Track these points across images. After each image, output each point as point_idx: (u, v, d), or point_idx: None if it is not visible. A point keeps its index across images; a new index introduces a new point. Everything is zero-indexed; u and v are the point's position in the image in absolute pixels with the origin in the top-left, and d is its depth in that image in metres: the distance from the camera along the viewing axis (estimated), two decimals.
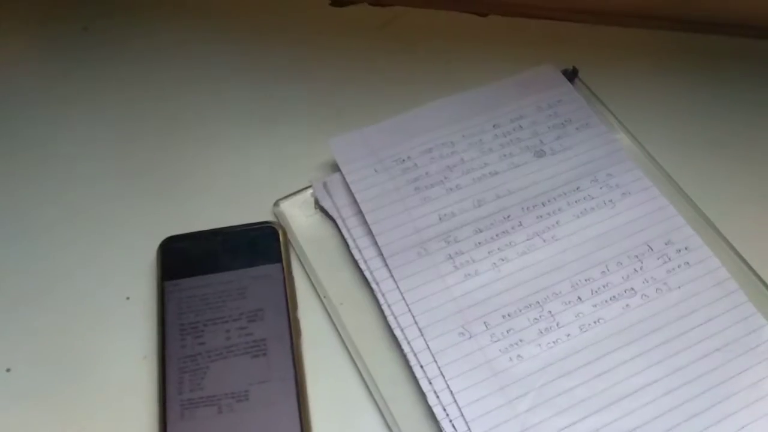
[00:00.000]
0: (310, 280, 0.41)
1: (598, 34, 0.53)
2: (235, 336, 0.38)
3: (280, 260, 0.41)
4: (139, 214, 0.44)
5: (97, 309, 0.40)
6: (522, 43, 0.52)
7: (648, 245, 0.41)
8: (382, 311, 0.39)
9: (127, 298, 0.41)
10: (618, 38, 0.53)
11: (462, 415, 0.35)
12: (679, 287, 0.40)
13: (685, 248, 0.41)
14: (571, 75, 0.48)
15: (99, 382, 0.38)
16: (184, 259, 0.41)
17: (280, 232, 0.42)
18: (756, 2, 0.50)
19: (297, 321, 0.39)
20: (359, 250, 0.41)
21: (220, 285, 0.40)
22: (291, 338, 0.38)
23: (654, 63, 0.51)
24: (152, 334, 0.39)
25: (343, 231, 0.42)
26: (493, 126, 0.46)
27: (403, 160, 0.44)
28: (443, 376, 0.36)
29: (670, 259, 0.41)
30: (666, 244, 0.41)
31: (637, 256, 0.41)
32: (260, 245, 0.41)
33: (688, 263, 0.40)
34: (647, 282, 0.40)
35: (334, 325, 0.39)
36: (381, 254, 0.40)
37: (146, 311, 0.40)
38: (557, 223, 0.42)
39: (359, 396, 0.37)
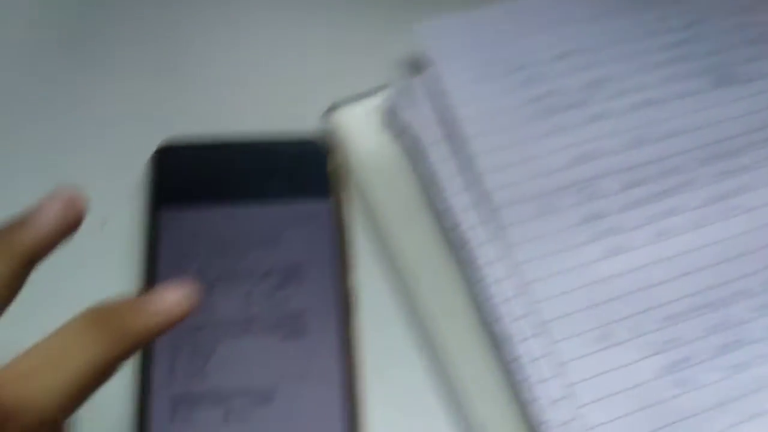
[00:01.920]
0: (374, 230, 0.28)
1: None
2: (258, 303, 0.25)
3: (329, 195, 0.27)
4: (126, 106, 0.30)
5: None
6: None
7: None
8: (478, 291, 0.26)
9: (103, 225, 0.28)
10: None
11: None
12: None
13: None
14: None
15: None
16: (188, 177, 0.27)
17: (334, 154, 0.28)
18: None
19: (351, 290, 0.26)
20: (450, 195, 0.28)
21: (242, 223, 0.27)
22: (341, 315, 0.25)
23: None
24: (134, 283, 0.26)
25: (428, 163, 0.28)
26: (656, 31, 0.31)
27: (525, 67, 0.30)
28: (574, 401, 0.24)
29: None
30: None
31: None
32: (302, 170, 0.28)
33: None
34: None
35: (406, 303, 0.27)
36: (484, 204, 0.27)
37: (126, 250, 0.27)
38: (747, 185, 0.28)
39: (435, 412, 0.25)
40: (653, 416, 0.24)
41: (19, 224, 0.17)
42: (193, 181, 0.27)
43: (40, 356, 0.15)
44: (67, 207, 0.18)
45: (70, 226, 0.18)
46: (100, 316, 0.16)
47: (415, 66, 0.31)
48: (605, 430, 0.24)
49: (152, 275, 0.25)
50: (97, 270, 0.27)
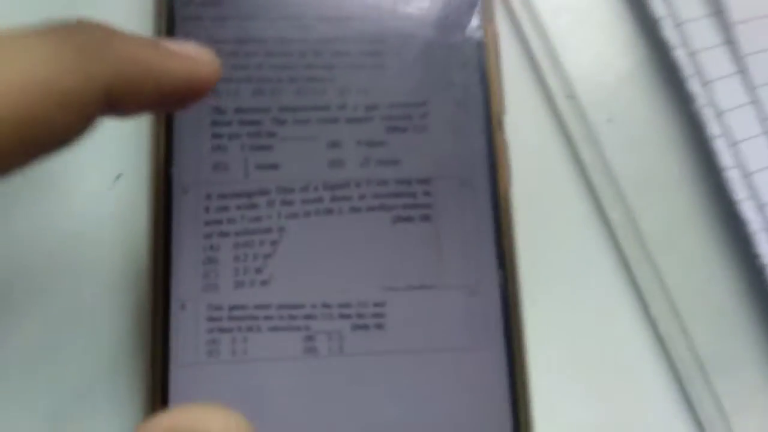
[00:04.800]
0: (531, 55, 0.17)
1: None
2: (353, 161, 0.15)
3: (473, 6, 0.16)
4: None
5: None
6: None
7: None
8: (706, 155, 0.16)
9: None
10: None
11: None
12: None
13: None
14: None
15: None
16: None
17: None
18: None
19: (505, 146, 0.16)
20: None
21: (320, 23, 0.16)
22: (493, 183, 0.15)
23: None
24: (137, 123, 0.16)
25: None
26: None
27: None
28: None
29: None
30: None
31: None
32: None
33: None
34: None
35: (587, 172, 0.16)
36: (718, 12, 0.17)
37: None
38: None
39: (645, 350, 0.16)
40: None
41: (147, 42, 0.11)
42: None
43: None
44: (206, 68, 0.11)
45: (190, 87, 0.11)
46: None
47: None
48: None
49: (168, 113, 0.15)
50: None
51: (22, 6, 0.16)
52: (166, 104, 0.11)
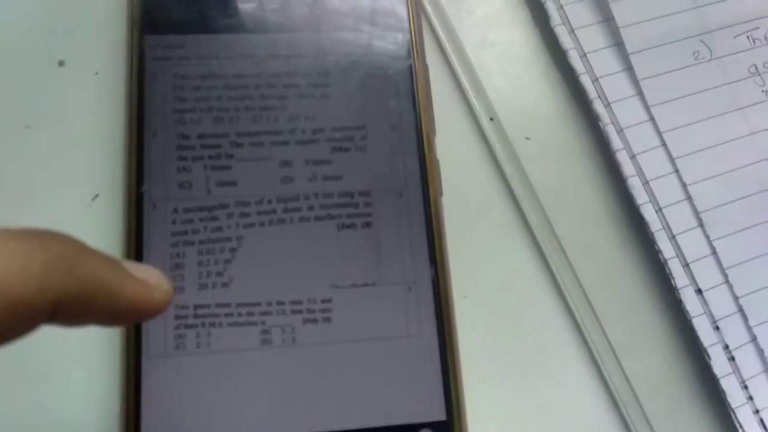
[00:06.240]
0: (458, 83, 0.20)
1: None
2: (302, 177, 0.17)
3: (406, 28, 0.19)
4: None
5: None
6: None
7: None
8: (611, 166, 0.19)
9: (61, 64, 0.19)
10: None
11: None
12: None
13: None
14: None
15: None
16: None
17: None
18: None
19: (434, 162, 0.18)
20: (569, 32, 0.20)
21: (273, 60, 0.18)
22: (425, 194, 0.18)
23: None
24: (112, 148, 0.18)
25: None
26: None
27: None
28: (747, 326, 0.17)
29: None
30: None
31: None
32: None
33: None
34: None
35: (508, 184, 0.19)
36: (617, 44, 0.19)
37: (104, 98, 0.18)
38: None
39: (563, 337, 0.18)
40: None
41: (110, 263, 0.11)
42: None
43: None
44: (159, 296, 0.12)
45: (138, 311, 0.11)
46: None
47: None
48: None
49: (139, 139, 0.17)
50: (59, 131, 0.18)
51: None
52: (112, 321, 0.11)
